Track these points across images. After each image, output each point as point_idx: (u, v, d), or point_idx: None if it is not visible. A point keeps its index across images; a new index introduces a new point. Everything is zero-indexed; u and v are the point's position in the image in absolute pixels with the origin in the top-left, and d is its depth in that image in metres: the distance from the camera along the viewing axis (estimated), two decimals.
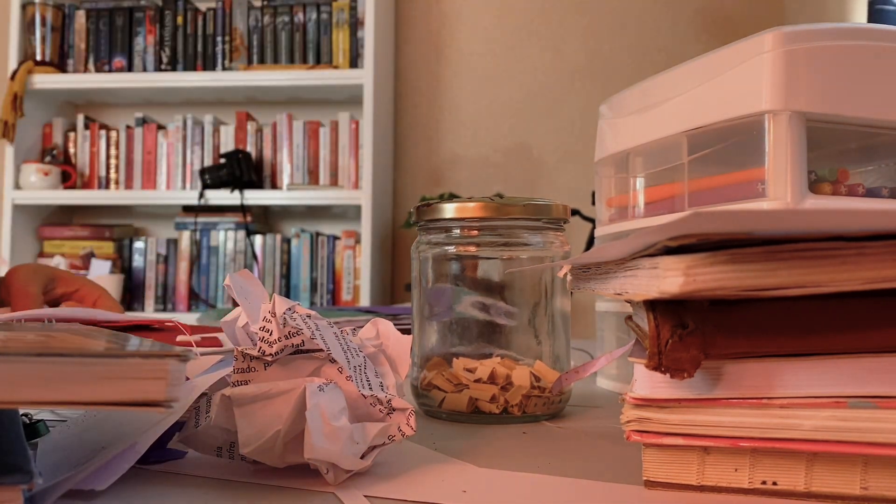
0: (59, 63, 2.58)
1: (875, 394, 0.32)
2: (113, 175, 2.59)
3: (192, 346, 0.52)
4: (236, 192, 2.42)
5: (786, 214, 0.31)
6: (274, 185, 2.54)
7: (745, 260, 0.31)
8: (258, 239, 2.54)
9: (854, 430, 0.32)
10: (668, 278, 0.32)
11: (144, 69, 2.56)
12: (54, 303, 0.69)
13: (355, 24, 2.48)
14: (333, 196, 2.43)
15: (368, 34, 2.39)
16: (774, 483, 0.34)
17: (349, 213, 2.58)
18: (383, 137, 2.53)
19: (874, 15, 1.85)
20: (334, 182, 2.51)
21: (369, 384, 0.39)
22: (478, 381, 0.55)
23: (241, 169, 2.42)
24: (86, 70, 2.58)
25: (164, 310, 2.55)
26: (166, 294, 2.57)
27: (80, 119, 2.61)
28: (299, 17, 2.52)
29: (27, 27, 2.53)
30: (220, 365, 0.47)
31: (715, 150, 0.56)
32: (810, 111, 0.51)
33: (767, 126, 0.51)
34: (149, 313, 2.52)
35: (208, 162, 2.55)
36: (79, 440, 0.39)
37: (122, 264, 2.60)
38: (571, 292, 0.54)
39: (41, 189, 2.48)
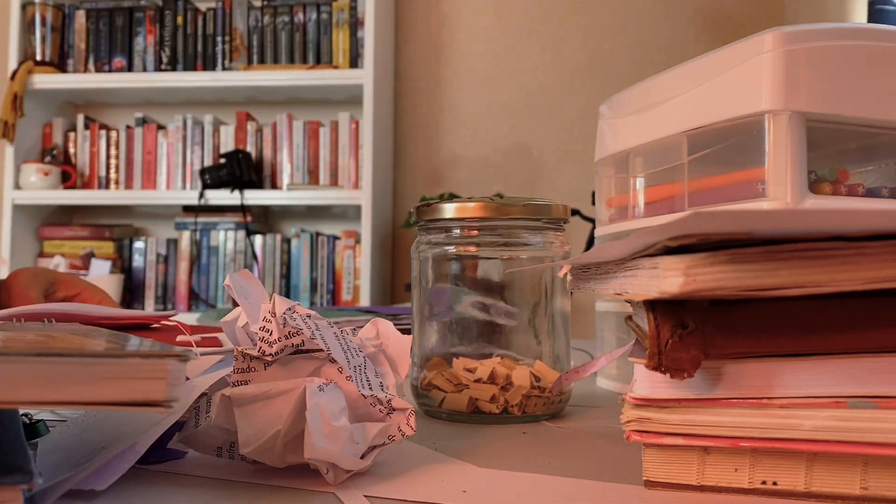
0: (59, 63, 2.58)
1: (875, 394, 0.32)
2: (113, 175, 2.59)
3: (192, 346, 0.52)
4: (236, 192, 2.42)
5: (786, 214, 0.31)
6: (274, 185, 2.54)
7: (745, 260, 0.31)
8: (258, 239, 2.54)
9: (854, 430, 0.32)
10: (668, 278, 0.32)
11: (144, 69, 2.56)
12: None
13: (355, 24, 2.48)
14: (333, 196, 2.43)
15: (368, 34, 2.39)
16: (774, 483, 0.34)
17: (349, 213, 2.58)
18: (383, 137, 2.53)
19: (874, 15, 1.85)
20: (334, 182, 2.51)
21: (369, 384, 0.39)
22: (478, 381, 0.55)
23: (241, 169, 2.42)
24: (86, 70, 2.58)
25: (164, 310, 2.54)
26: (166, 294, 2.57)
27: (80, 119, 2.61)
28: (299, 17, 2.52)
29: (27, 27, 2.53)
30: (220, 365, 0.47)
31: (715, 150, 0.56)
32: (810, 111, 0.51)
33: (767, 126, 0.51)
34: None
35: (208, 162, 2.55)
36: (79, 440, 0.39)
37: (122, 264, 2.60)
38: (571, 292, 0.54)
39: (41, 189, 2.48)
